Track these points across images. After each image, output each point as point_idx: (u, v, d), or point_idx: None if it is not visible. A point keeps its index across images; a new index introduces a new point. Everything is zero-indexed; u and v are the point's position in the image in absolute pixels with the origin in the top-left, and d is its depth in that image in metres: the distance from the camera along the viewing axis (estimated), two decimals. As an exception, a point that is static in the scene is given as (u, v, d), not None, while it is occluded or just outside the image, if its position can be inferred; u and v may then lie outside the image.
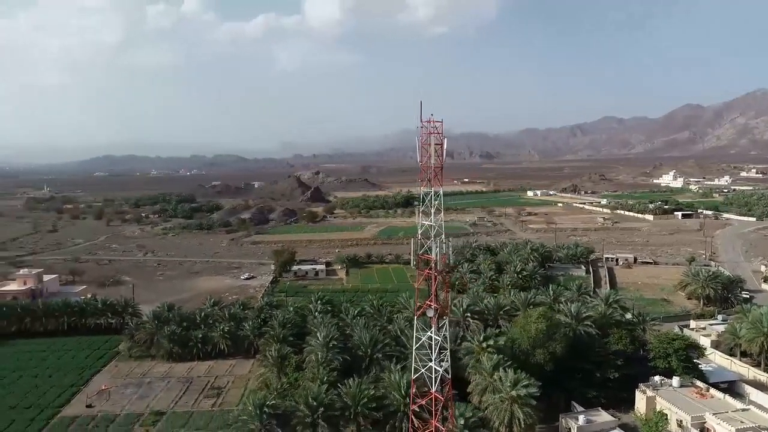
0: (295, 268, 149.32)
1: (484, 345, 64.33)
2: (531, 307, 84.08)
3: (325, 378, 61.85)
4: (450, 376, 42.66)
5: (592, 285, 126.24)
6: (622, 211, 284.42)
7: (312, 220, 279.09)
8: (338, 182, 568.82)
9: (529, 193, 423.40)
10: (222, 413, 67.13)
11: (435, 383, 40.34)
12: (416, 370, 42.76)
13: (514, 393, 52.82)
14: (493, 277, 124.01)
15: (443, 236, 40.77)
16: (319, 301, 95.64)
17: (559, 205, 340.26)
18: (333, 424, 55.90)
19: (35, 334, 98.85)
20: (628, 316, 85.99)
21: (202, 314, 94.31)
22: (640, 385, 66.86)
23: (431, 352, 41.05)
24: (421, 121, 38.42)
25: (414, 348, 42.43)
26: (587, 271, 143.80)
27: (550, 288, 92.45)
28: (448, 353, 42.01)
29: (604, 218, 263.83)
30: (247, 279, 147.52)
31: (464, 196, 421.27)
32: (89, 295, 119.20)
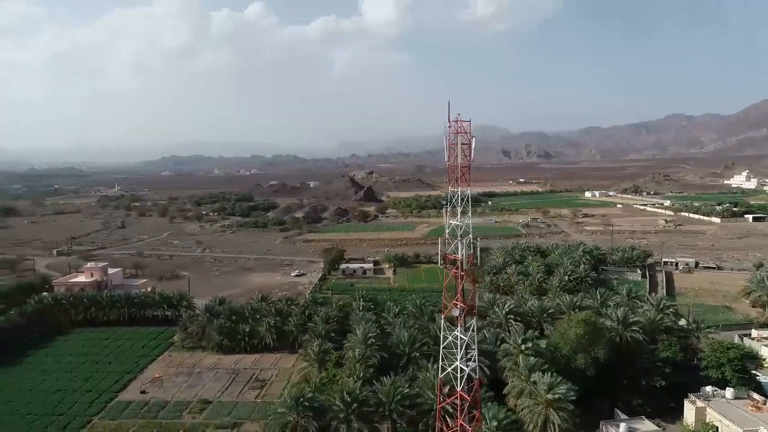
0: (343, 266, 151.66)
1: (523, 347, 63.37)
2: (576, 310, 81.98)
3: (361, 374, 62.85)
4: (477, 376, 42.46)
5: (648, 290, 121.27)
6: (686, 214, 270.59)
7: (363, 219, 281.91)
8: (391, 182, 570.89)
9: (587, 194, 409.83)
10: (264, 405, 69.34)
11: (460, 382, 40.25)
12: (443, 369, 42.82)
13: (549, 396, 51.81)
14: (542, 279, 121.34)
15: (470, 236, 40.64)
16: (362, 299, 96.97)
17: (618, 206, 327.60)
18: (367, 420, 56.71)
19: (99, 323, 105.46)
20: (682, 322, 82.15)
21: (250, 309, 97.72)
22: (690, 395, 63.88)
23: (458, 352, 40.97)
24: (449, 120, 38.40)
25: (441, 347, 42.50)
26: (643, 276, 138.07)
27: (598, 291, 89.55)
28: (476, 353, 41.84)
29: (665, 220, 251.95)
30: (296, 276, 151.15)
31: (518, 196, 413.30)
32: (149, 288, 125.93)
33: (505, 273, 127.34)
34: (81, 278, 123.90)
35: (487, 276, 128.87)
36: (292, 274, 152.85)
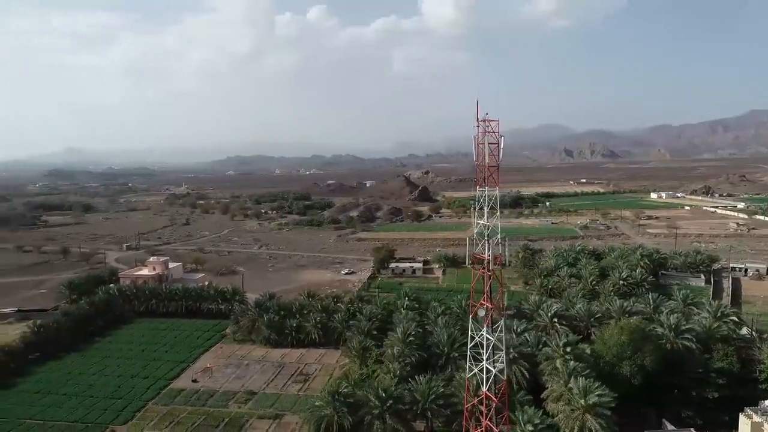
0: (392, 265, 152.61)
1: (563, 351, 61.89)
2: (626, 315, 79.18)
3: (398, 372, 63.40)
4: (505, 378, 42.03)
5: (711, 297, 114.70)
6: (761, 217, 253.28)
7: (417, 218, 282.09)
8: (447, 182, 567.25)
9: (653, 195, 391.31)
10: (306, 398, 71.10)
11: (485, 383, 40.02)
12: (470, 370, 42.69)
13: (584, 402, 50.42)
14: (595, 282, 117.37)
15: (499, 236, 40.31)
16: (406, 298, 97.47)
17: (686, 208, 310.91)
18: (402, 417, 57.13)
19: (159, 314, 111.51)
20: (743, 331, 77.62)
21: (298, 305, 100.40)
22: (746, 408, 60.13)
23: (484, 352, 40.76)
24: (477, 120, 38.29)
25: (469, 347, 42.38)
26: (707, 282, 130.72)
27: (650, 296, 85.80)
28: (503, 355, 41.43)
29: (737, 224, 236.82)
30: (347, 274, 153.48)
31: (579, 197, 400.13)
32: (206, 283, 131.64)
33: (557, 275, 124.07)
34: (144, 271, 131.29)
35: (537, 278, 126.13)
36: (343, 272, 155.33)
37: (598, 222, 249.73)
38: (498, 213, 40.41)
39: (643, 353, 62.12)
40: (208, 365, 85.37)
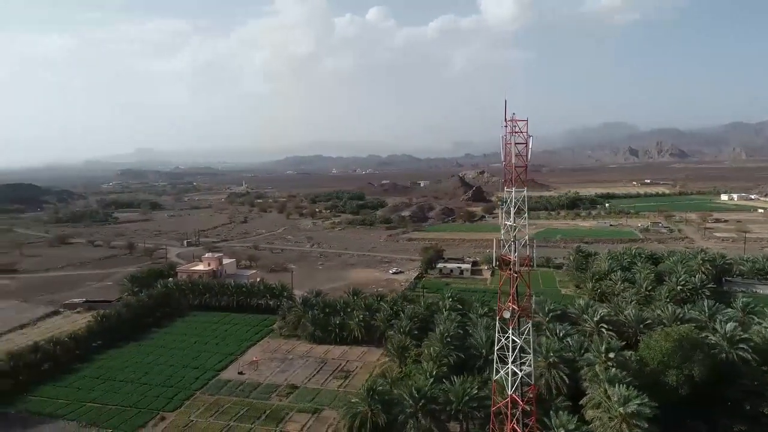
0: (440, 265, 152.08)
1: (604, 357, 59.99)
2: (678, 323, 75.59)
3: (434, 372, 63.43)
4: (533, 382, 41.36)
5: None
6: None
7: (469, 219, 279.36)
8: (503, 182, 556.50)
9: (723, 197, 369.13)
10: (345, 394, 72.38)
11: (510, 386, 39.56)
12: (497, 372, 42.28)
13: (621, 410, 48.71)
14: (650, 288, 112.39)
15: (527, 237, 39.76)
16: (450, 298, 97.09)
17: (760, 211, 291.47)
18: (435, 418, 57.22)
19: (212, 307, 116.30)
20: (809, 344, 72.20)
21: (342, 302, 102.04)
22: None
23: (509, 355, 40.29)
24: (505, 120, 37.95)
25: (496, 349, 41.99)
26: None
27: (705, 304, 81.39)
28: (531, 358, 40.78)
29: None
30: (394, 273, 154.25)
31: (641, 198, 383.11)
32: (258, 279, 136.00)
33: (610, 279, 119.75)
34: (200, 267, 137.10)
35: (589, 282, 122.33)
36: (390, 272, 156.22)
37: (660, 225, 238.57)
38: (526, 214, 39.75)
39: (691, 362, 59.19)
40: (255, 358, 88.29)
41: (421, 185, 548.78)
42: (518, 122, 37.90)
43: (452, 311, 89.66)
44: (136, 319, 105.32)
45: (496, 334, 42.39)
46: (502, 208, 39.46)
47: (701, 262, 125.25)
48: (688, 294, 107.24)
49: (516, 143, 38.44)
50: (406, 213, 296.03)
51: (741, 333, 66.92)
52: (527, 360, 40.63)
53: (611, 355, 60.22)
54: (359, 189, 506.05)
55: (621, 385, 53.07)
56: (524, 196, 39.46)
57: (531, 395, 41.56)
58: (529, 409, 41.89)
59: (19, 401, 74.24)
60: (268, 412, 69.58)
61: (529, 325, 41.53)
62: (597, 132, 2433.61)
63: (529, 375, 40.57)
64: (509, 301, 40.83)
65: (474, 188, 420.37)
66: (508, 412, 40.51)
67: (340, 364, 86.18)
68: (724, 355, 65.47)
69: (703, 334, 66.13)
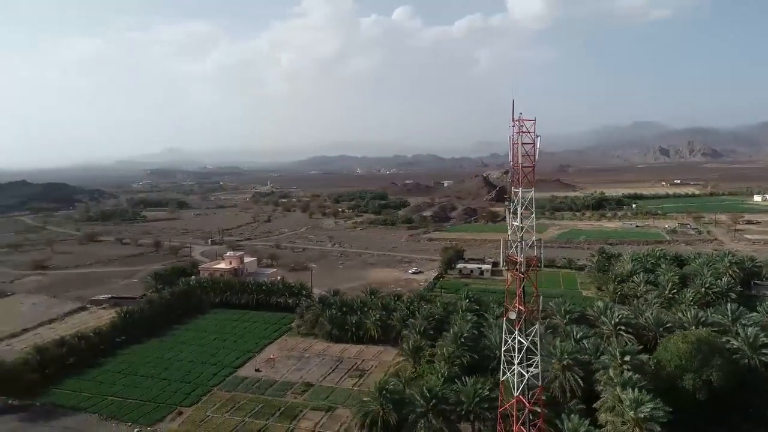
0: (460, 265, 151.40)
1: (620, 360, 59.02)
2: (700, 326, 73.88)
3: (446, 372, 63.31)
4: (540, 383, 40.97)
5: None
6: None
7: (492, 219, 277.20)
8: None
9: (756, 198, 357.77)
10: (359, 393, 72.80)
11: (516, 387, 39.27)
12: (504, 373, 42.03)
13: (633, 414, 47.89)
14: (674, 290, 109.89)
15: (534, 237, 39.45)
16: (467, 299, 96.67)
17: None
18: (446, 418, 57.10)
19: (232, 305, 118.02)
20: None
21: (359, 302, 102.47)
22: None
23: (515, 356, 40.00)
24: (513, 120, 37.71)
25: (502, 350, 41.75)
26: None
27: (729, 307, 79.22)
28: (539, 360, 40.41)
29: None
30: (414, 273, 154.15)
31: (669, 199, 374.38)
32: (278, 277, 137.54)
33: (632, 281, 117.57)
34: (222, 265, 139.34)
35: (611, 284, 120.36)
36: (410, 272, 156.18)
37: (688, 226, 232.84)
38: (533, 215, 39.44)
39: (709, 367, 57.83)
40: (272, 356, 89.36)
41: (445, 185, 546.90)
42: (525, 122, 37.56)
43: (468, 312, 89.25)
44: (158, 316, 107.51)
45: (503, 335, 42.10)
46: (509, 209, 39.14)
47: (728, 264, 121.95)
48: (714, 297, 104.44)
49: (524, 143, 38.10)
50: (427, 213, 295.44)
51: (764, 338, 65.00)
52: (534, 362, 40.27)
53: (626, 358, 59.24)
54: (382, 189, 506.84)
55: (635, 389, 52.21)
56: (531, 197, 39.06)
57: (538, 397, 41.13)
58: (537, 410, 41.49)
59: (44, 394, 76.60)
60: (282, 409, 70.37)
61: (537, 326, 41.16)
62: (627, 131, 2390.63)
63: (536, 377, 40.17)
64: (515, 302, 40.53)
65: (497, 188, 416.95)
66: (514, 414, 40.18)
67: (356, 363, 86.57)
68: (746, 360, 63.92)
69: (724, 339, 64.45)
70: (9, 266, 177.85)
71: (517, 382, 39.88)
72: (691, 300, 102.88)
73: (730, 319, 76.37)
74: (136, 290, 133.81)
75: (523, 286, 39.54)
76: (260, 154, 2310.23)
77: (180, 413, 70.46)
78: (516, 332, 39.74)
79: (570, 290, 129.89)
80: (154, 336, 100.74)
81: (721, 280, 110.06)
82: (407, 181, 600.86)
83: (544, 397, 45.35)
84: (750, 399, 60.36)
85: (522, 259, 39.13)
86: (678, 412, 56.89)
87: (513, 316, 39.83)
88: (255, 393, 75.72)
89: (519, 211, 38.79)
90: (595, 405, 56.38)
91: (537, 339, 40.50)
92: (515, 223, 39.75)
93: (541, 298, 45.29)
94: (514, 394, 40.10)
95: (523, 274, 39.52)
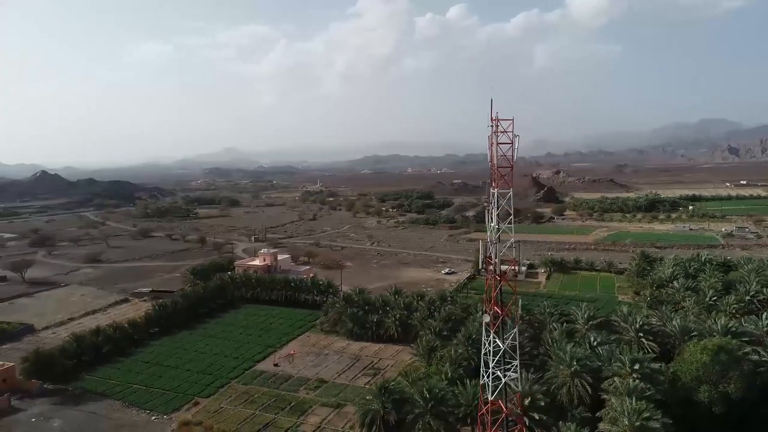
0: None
1: (629, 368, 56.64)
2: (729, 336, 69.65)
3: (449, 374, 62.76)
4: (519, 389, 40.03)
5: None
6: None
7: (536, 220, 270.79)
8: (580, 182, 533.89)
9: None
10: (370, 391, 73.22)
11: (492, 392, 38.53)
12: (482, 377, 41.30)
13: (627, 422, 45.92)
14: (715, 297, 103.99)
15: (512, 239, 38.61)
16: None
17: None
18: (444, 419, 56.62)
19: (263, 301, 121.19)
20: None
21: (381, 300, 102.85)
22: None
23: (490, 360, 39.24)
24: (491, 119, 37.06)
25: (482, 354, 41.05)
26: None
27: (764, 316, 74.24)
28: (518, 364, 39.49)
29: None
30: (447, 273, 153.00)
31: (732, 201, 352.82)
32: (311, 275, 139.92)
33: (671, 287, 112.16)
34: (256, 262, 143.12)
35: (648, 289, 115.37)
36: (443, 272, 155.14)
37: (746, 230, 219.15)
38: (512, 216, 38.59)
39: (728, 378, 54.58)
40: (292, 352, 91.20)
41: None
42: (503, 122, 36.83)
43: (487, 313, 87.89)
44: (191, 309, 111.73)
45: (483, 338, 41.45)
46: (489, 210, 38.49)
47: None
48: (758, 306, 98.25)
49: (502, 143, 37.37)
50: (470, 213, 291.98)
51: (794, 350, 60.69)
52: (513, 366, 39.39)
53: (636, 366, 56.77)
54: (430, 188, 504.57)
55: (636, 399, 50.09)
56: (509, 197, 38.23)
57: (518, 402, 40.21)
58: (515, 417, 40.54)
59: (78, 380, 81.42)
60: (293, 403, 71.82)
61: (515, 330, 40.23)
62: (693, 129, 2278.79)
63: (515, 381, 39.27)
64: (491, 305, 39.83)
65: (546, 188, 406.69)
66: (488, 419, 39.47)
67: (373, 362, 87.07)
68: (774, 373, 59.86)
69: (748, 349, 60.59)
70: (66, 259, 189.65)
71: (493, 386, 39.12)
72: (733, 308, 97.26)
73: (764, 329, 71.61)
74: (177, 284, 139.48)
75: (500, 288, 38.77)
76: (315, 153, 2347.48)
77: (196, 403, 73.18)
78: (492, 335, 39.03)
79: (606, 295, 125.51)
80: (186, 328, 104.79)
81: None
82: (455, 181, 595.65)
83: (517, 403, 43.94)
84: (773, 414, 56.49)
85: (497, 261, 38.37)
86: (692, 425, 54.35)
87: (487, 318, 39.15)
88: (270, 387, 77.56)
89: (494, 212, 38.05)
90: (598, 414, 54.47)
91: (516, 343, 39.57)
92: (492, 224, 39.04)
93: (520, 300, 44.13)
94: (489, 398, 39.39)
95: (499, 275, 38.75)
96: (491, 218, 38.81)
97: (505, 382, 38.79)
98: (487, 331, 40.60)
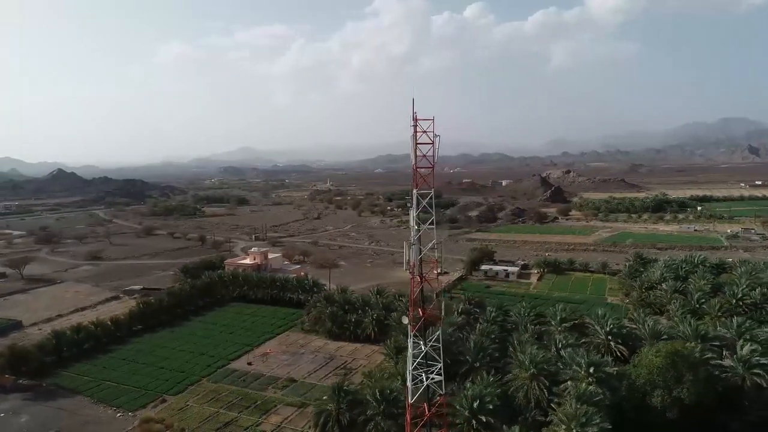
0: (485, 267, 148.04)
1: (584, 372, 55.81)
2: (699, 340, 68.30)
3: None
4: (443, 392, 39.57)
5: None
6: None
7: (540, 220, 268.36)
8: (590, 182, 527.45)
9: None
10: (337, 391, 73.03)
11: (412, 394, 38.13)
12: (413, 380, 40.88)
13: (564, 429, 45.19)
14: (703, 300, 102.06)
15: (435, 240, 38.19)
16: (466, 301, 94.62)
17: None
18: (396, 421, 56.30)
19: (250, 299, 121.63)
20: None
21: (361, 300, 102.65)
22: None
23: (409, 362, 38.84)
24: (413, 119, 36.66)
25: (408, 357, 40.63)
26: None
27: (735, 320, 72.55)
28: (441, 367, 39.03)
29: None
30: (439, 274, 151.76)
31: (744, 202, 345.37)
32: (302, 273, 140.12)
33: (660, 289, 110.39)
34: (246, 260, 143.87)
35: (636, 291, 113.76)
36: (434, 272, 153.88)
37: (752, 231, 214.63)
38: (434, 217, 38.18)
39: (681, 383, 53.44)
40: (268, 351, 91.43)
41: (503, 184, 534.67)
42: (422, 122, 36.40)
43: (464, 314, 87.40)
44: (176, 307, 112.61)
45: (409, 341, 41.03)
46: (412, 211, 38.09)
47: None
48: (746, 309, 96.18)
49: (422, 143, 36.95)
50: (473, 213, 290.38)
51: (759, 357, 59.20)
52: (437, 369, 38.94)
53: (591, 370, 55.94)
54: (438, 187, 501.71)
55: (586, 403, 49.31)
56: (431, 197, 37.79)
57: (441, 406, 39.77)
58: (440, 420, 40.11)
59: (53, 375, 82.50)
60: (258, 402, 71.77)
61: (439, 332, 39.78)
62: (713, 128, 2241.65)
63: (439, 384, 38.83)
64: (411, 306, 39.42)
65: (553, 188, 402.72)
66: (408, 421, 39.07)
67: (346, 362, 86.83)
68: (737, 379, 58.58)
69: (709, 354, 59.30)
70: (68, 256, 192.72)
71: (413, 389, 38.73)
72: (718, 310, 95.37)
73: (734, 333, 69.99)
74: (171, 282, 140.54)
75: (422, 289, 38.39)
76: (331, 152, 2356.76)
77: (163, 401, 73.57)
78: (411, 337, 38.63)
79: (595, 296, 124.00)
80: (169, 326, 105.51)
81: (755, 290, 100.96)
82: (464, 180, 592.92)
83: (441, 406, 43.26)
84: (731, 421, 55.26)
85: (417, 262, 37.98)
86: (645, 429, 53.49)
87: (405, 320, 38.77)
88: (239, 386, 77.59)
89: (414, 213, 37.67)
90: (547, 418, 53.75)
91: (439, 345, 39.13)
92: (413, 225, 38.67)
93: (443, 302, 43.70)
94: (408, 401, 39.01)
95: (420, 277, 38.35)
96: (411, 219, 38.32)
97: (426, 385, 38.30)
98: (407, 333, 40.21)
